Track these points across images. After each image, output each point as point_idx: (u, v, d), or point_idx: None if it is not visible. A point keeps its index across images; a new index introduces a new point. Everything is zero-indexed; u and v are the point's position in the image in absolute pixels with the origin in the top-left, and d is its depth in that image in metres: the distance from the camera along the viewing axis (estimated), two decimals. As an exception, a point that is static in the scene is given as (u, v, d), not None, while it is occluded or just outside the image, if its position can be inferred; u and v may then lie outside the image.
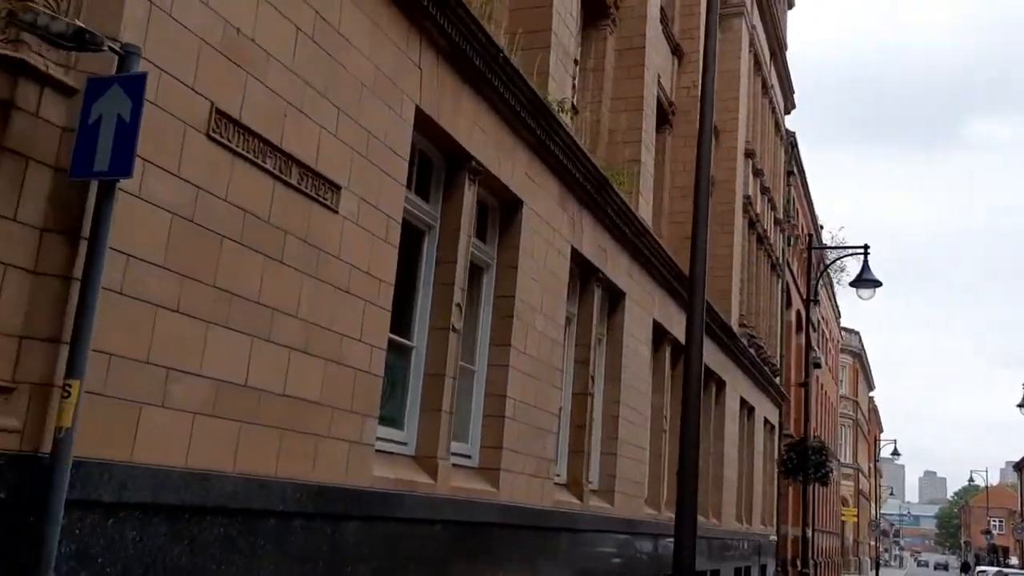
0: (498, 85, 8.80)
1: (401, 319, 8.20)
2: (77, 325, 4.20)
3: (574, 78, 12.47)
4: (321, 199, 6.29)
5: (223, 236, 5.39)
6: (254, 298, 5.64)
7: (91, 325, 4.23)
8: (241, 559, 5.55)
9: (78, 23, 4.09)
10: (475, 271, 9.54)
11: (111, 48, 4.33)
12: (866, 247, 22.79)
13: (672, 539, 8.90)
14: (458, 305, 8.43)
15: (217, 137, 5.33)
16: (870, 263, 22.41)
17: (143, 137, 4.76)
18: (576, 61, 12.77)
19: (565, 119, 10.55)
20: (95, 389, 4.52)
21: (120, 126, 4.30)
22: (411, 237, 8.33)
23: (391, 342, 7.84)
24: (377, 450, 7.34)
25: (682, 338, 12.85)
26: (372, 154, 6.92)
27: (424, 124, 7.87)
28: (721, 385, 20.67)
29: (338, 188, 6.47)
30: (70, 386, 4.11)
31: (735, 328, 21.51)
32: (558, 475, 11.44)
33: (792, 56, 42.21)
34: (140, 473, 4.77)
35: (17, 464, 4.15)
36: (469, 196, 8.65)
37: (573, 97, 12.42)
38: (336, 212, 6.47)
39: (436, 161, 8.61)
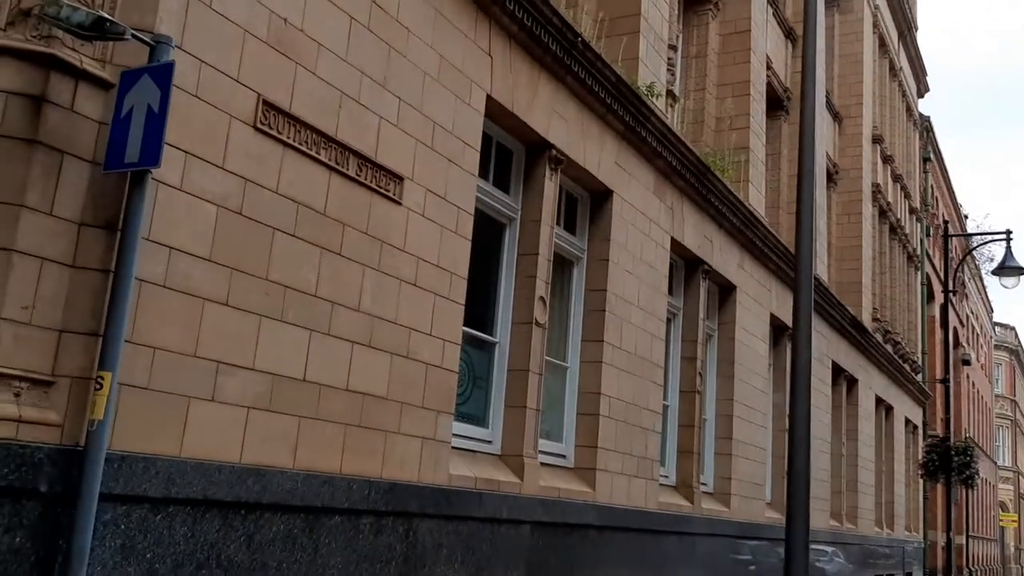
0: (578, 71, 8.51)
1: (482, 313, 8.01)
2: (110, 317, 4.18)
3: (671, 64, 12.01)
4: (382, 190, 6.16)
5: (275, 228, 5.32)
6: (310, 291, 5.55)
7: (124, 317, 4.20)
8: (304, 556, 5.46)
9: (99, 12, 4.07)
10: (564, 264, 9.26)
11: (137, 37, 4.31)
12: (1008, 232, 21.18)
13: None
14: (541, 299, 8.16)
15: (265, 129, 5.27)
16: (1013, 250, 20.77)
17: (185, 130, 4.75)
18: (673, 47, 12.30)
19: (657, 105, 10.14)
20: (139, 383, 4.50)
21: (150, 116, 4.27)
22: (489, 229, 8.13)
23: (470, 337, 7.67)
24: (456, 448, 7.16)
25: (796, 331, 12.15)
26: (439, 144, 6.76)
27: (497, 113, 7.66)
28: (852, 383, 19.57)
29: (401, 179, 6.33)
30: (102, 378, 4.08)
31: (867, 323, 20.35)
32: (665, 476, 10.98)
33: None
34: (189, 468, 4.73)
35: (57, 457, 4.15)
36: (550, 186, 8.38)
37: (671, 83, 11.96)
38: (399, 203, 6.33)
39: (516, 151, 8.39)
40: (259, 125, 5.22)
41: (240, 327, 5.07)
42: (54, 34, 4.28)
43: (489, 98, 7.41)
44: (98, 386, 4.08)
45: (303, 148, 5.52)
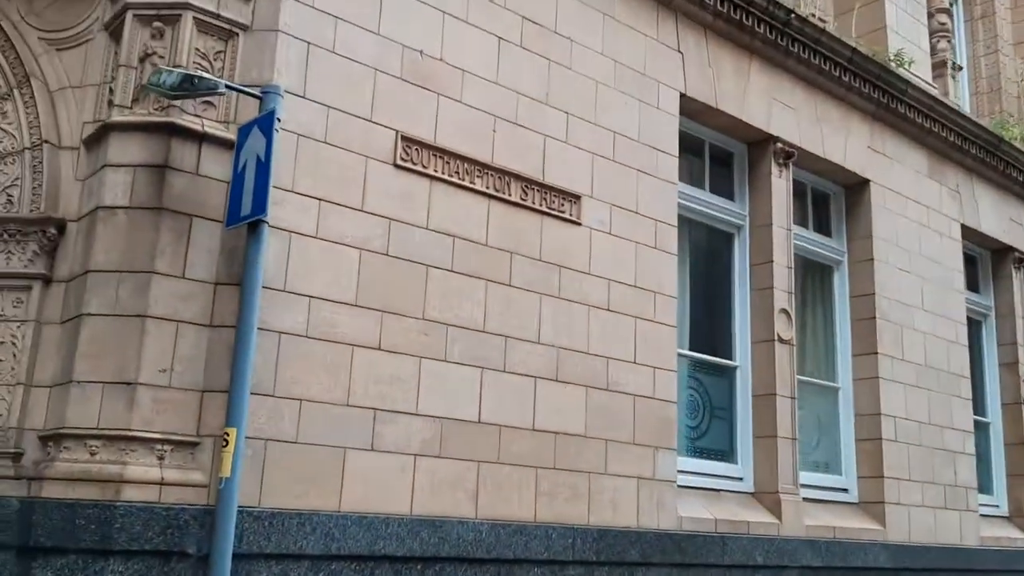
0: (799, 51, 7.55)
1: (714, 335, 7.24)
2: (233, 371, 4.14)
3: (944, 30, 10.40)
4: (555, 212, 5.74)
5: (428, 265, 5.09)
6: (477, 327, 5.24)
7: (247, 370, 4.13)
8: (499, 613, 5.06)
9: (186, 71, 4.12)
10: (821, 271, 8.20)
11: (234, 88, 4.33)
12: None
13: None
14: (784, 312, 7.20)
15: (407, 165, 5.09)
16: None
17: (318, 177, 4.70)
18: (946, 11, 10.68)
19: (917, 75, 8.76)
20: (286, 437, 4.42)
21: (258, 166, 4.23)
22: (712, 241, 7.39)
23: (700, 363, 6.95)
24: (692, 487, 6.43)
25: None
26: (622, 155, 6.21)
27: (698, 112, 6.96)
28: None
29: (577, 198, 5.87)
30: (227, 435, 4.02)
31: None
32: (989, 505, 9.22)
33: None
34: (351, 522, 4.55)
35: (204, 518, 4.14)
36: (780, 184, 7.44)
37: (946, 51, 10.36)
38: (578, 223, 5.86)
39: (735, 151, 7.58)
40: (399, 162, 5.05)
41: (397, 371, 4.86)
42: (174, 103, 4.40)
43: (684, 97, 6.75)
44: (224, 443, 4.02)
45: (454, 179, 5.27)
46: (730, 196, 7.51)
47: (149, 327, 4.20)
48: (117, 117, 4.43)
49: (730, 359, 7.23)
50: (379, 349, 4.82)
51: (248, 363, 4.14)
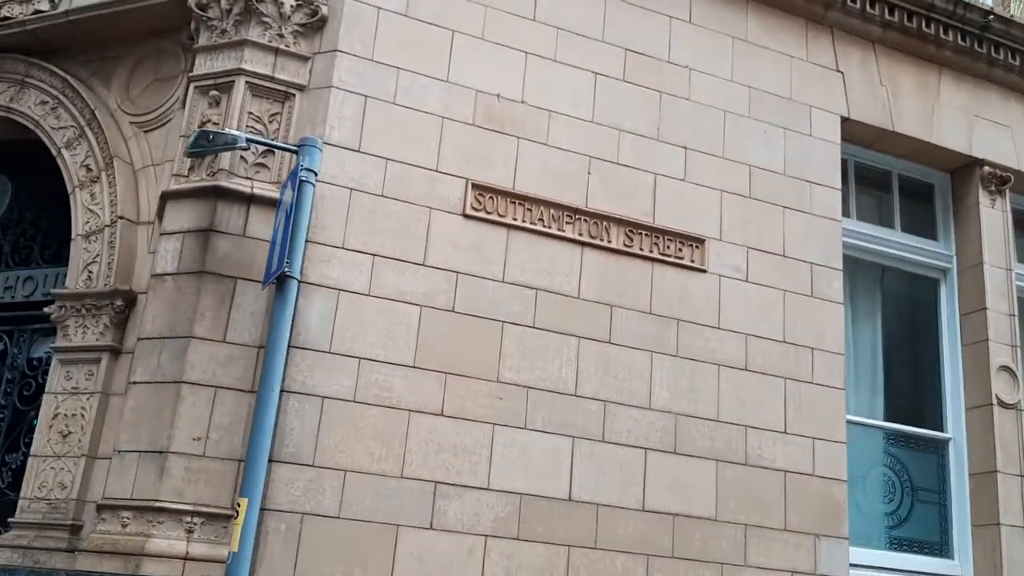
0: (1005, 57, 6.29)
1: (915, 402, 6.00)
2: (251, 435, 3.85)
3: None
4: (670, 258, 5.02)
5: (504, 322, 4.59)
6: (567, 390, 4.61)
7: (265, 435, 3.83)
8: None
9: (203, 128, 4.05)
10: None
11: (256, 142, 4.21)
12: None
13: None
14: (1005, 369, 5.79)
15: (480, 215, 4.68)
16: None
17: (372, 232, 4.45)
18: None
19: None
20: (327, 512, 4.06)
21: (286, 219, 4.03)
22: (911, 289, 6.21)
23: (897, 435, 5.78)
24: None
25: None
26: (761, 191, 5.38)
27: (868, 138, 5.95)
28: None
29: (700, 241, 5.12)
30: (239, 505, 3.71)
31: None
32: None
33: None
34: (403, 610, 4.04)
35: (231, 596, 3.84)
36: (992, 215, 6.12)
37: None
38: (702, 270, 5.08)
39: (935, 182, 6.38)
40: (470, 212, 4.66)
41: (463, 439, 4.36)
42: (222, 167, 4.36)
43: (848, 122, 5.79)
44: (235, 514, 3.72)
45: (537, 227, 4.78)
46: (931, 235, 6.30)
47: (184, 393, 4.07)
48: (172, 186, 4.46)
49: (940, 430, 5.90)
50: (441, 415, 4.35)
51: (267, 427, 3.84)
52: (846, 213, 5.97)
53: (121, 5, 4.98)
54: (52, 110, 5.11)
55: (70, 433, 4.41)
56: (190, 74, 4.66)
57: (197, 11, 4.69)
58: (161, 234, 4.42)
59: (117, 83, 5.14)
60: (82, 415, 4.42)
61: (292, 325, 4.16)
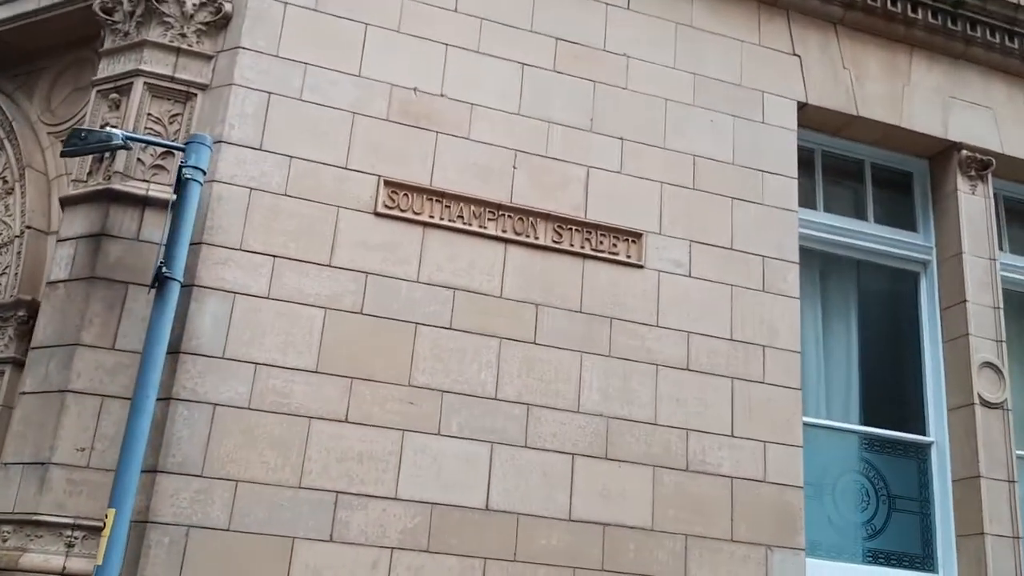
0: (982, 35, 5.91)
1: (894, 404, 5.59)
2: (123, 445, 3.67)
3: None
4: (603, 254, 4.75)
5: (418, 323, 4.36)
6: (486, 393, 4.36)
7: (136, 445, 3.63)
8: None
9: (76, 127, 3.92)
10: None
11: (141, 140, 4.06)
12: None
13: None
14: (989, 365, 5.37)
15: (393, 213, 4.48)
16: None
17: (272, 232, 4.27)
18: None
19: None
20: (216, 524, 3.85)
21: (172, 222, 3.87)
22: (892, 283, 5.83)
23: (871, 439, 5.39)
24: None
25: None
26: (707, 182, 5.08)
27: (831, 124, 5.63)
28: None
29: (638, 236, 4.84)
30: (107, 516, 3.53)
31: None
32: None
33: None
34: (297, 628, 3.81)
35: (108, 615, 3.64)
36: (970, 202, 5.71)
37: None
38: (638, 266, 4.80)
39: (914, 170, 5.99)
40: (382, 210, 4.46)
41: (369, 447, 4.12)
42: (117, 170, 4.24)
43: (807, 107, 5.47)
44: (102, 525, 3.54)
45: (456, 224, 4.55)
46: (910, 226, 5.91)
47: (69, 403, 3.91)
48: (69, 191, 4.35)
49: (922, 433, 5.49)
50: (346, 421, 4.13)
51: (140, 434, 3.65)
52: (812, 205, 5.65)
53: (35, 16, 4.92)
54: (-26, 125, 5.08)
55: (-27, 448, 4.29)
56: (92, 79, 4.56)
57: (102, 15, 4.61)
58: (58, 241, 4.30)
59: (39, 94, 5.09)
60: (-16, 429, 4.30)
61: (184, 330, 4.01)
